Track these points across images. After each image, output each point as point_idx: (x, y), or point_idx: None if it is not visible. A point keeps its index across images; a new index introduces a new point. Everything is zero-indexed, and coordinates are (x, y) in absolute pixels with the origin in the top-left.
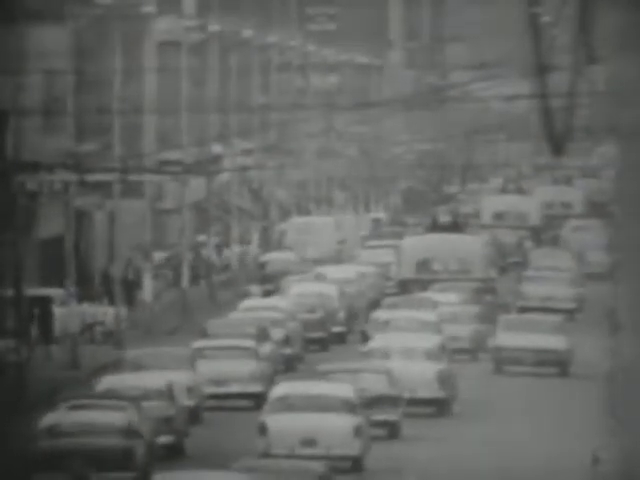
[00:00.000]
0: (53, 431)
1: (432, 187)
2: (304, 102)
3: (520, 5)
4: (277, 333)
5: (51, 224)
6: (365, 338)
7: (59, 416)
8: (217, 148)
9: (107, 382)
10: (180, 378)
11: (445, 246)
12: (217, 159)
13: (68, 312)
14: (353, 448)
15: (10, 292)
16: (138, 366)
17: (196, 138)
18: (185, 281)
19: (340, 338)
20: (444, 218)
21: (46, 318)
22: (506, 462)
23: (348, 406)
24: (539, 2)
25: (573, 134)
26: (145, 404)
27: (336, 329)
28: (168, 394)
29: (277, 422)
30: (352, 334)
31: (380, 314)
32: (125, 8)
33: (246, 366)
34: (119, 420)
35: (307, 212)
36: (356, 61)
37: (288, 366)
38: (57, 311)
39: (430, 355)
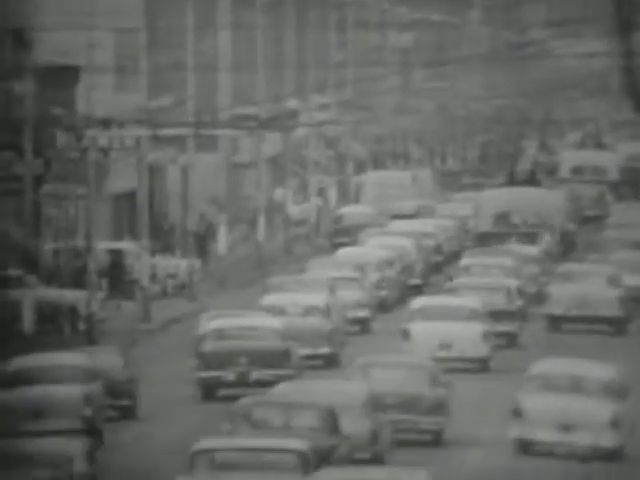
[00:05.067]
0: (219, 334)
1: (510, 142)
2: (381, 59)
3: None
4: (373, 277)
5: (124, 179)
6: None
7: (224, 321)
8: (293, 103)
9: (270, 299)
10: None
11: (523, 199)
12: (293, 114)
13: (141, 265)
14: (482, 350)
15: (82, 245)
16: (279, 290)
17: (272, 94)
18: (261, 234)
19: (417, 291)
20: (522, 172)
21: (118, 271)
22: None
23: (476, 315)
24: None
25: None
26: (306, 320)
27: (413, 282)
28: (326, 311)
29: (418, 329)
30: (428, 286)
31: (464, 261)
32: None
33: (354, 295)
34: (278, 324)
35: (384, 167)
36: (432, 19)
37: (383, 308)
38: (129, 264)
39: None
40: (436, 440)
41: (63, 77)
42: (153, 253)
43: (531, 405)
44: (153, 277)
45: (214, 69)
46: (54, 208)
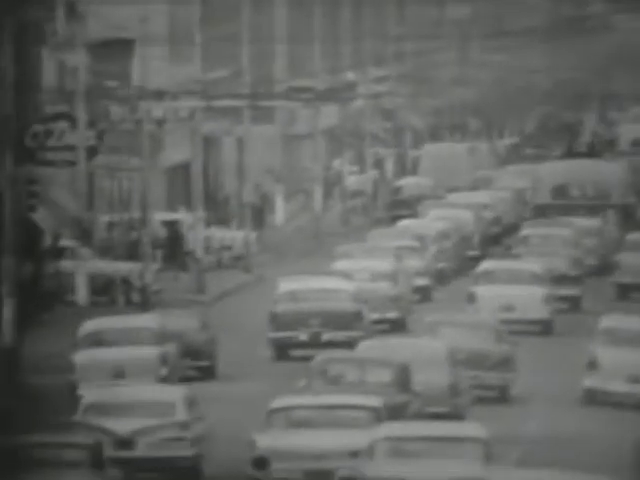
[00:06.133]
0: (292, 296)
1: (569, 114)
2: (439, 31)
3: None
4: (432, 249)
5: (179, 150)
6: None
7: (297, 283)
8: (350, 75)
9: (339, 265)
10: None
11: (582, 171)
12: (350, 86)
13: (195, 236)
14: (543, 313)
15: (137, 217)
16: (347, 257)
17: (329, 66)
18: (318, 206)
19: (475, 262)
20: (581, 144)
21: (175, 242)
22: None
23: (539, 279)
24: None
25: None
26: (375, 285)
27: (471, 253)
28: (394, 277)
29: (482, 292)
30: (486, 258)
31: (523, 232)
32: None
33: (415, 264)
34: (350, 287)
35: (441, 139)
36: None
37: (441, 279)
38: (184, 235)
39: None
40: (503, 396)
41: (118, 50)
42: (208, 225)
43: (602, 357)
44: (208, 248)
45: (270, 41)
46: (107, 180)
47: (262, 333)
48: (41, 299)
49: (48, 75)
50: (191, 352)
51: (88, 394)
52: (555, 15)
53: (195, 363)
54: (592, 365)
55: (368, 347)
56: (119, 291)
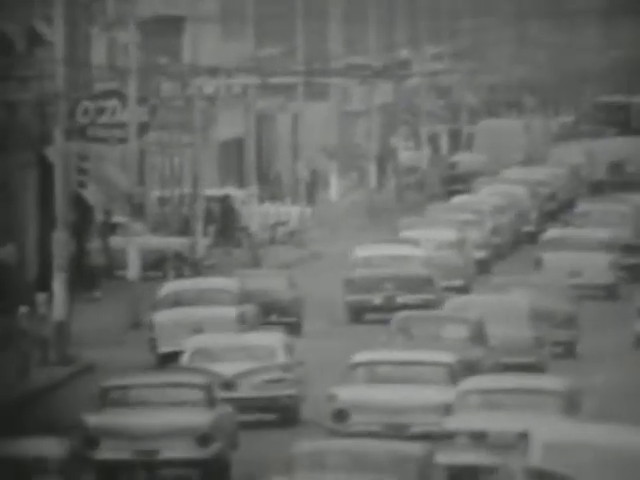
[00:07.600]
0: (367, 262)
1: (624, 93)
2: (495, 9)
3: None
4: (488, 224)
5: (231, 126)
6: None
7: (371, 250)
8: (405, 53)
9: (406, 234)
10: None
11: (638, 149)
12: (405, 64)
13: (249, 212)
14: (609, 278)
15: (189, 193)
16: (410, 229)
17: (384, 44)
18: (372, 182)
19: (531, 238)
20: (637, 122)
21: (228, 217)
22: None
23: (605, 246)
24: None
25: None
26: (441, 253)
27: (527, 229)
28: (459, 245)
29: (550, 257)
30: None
31: (580, 207)
32: None
33: (473, 236)
34: (421, 253)
35: (497, 116)
36: None
37: (498, 253)
38: (238, 211)
39: None
40: (569, 351)
41: (168, 27)
42: (262, 200)
43: None
44: (262, 224)
45: (325, 18)
46: (159, 156)
47: (323, 303)
48: (90, 275)
49: (99, 52)
50: (278, 309)
51: (194, 340)
52: None
53: (282, 319)
54: None
55: (455, 304)
56: (170, 266)
